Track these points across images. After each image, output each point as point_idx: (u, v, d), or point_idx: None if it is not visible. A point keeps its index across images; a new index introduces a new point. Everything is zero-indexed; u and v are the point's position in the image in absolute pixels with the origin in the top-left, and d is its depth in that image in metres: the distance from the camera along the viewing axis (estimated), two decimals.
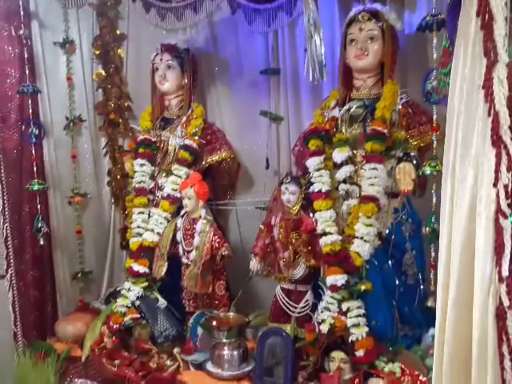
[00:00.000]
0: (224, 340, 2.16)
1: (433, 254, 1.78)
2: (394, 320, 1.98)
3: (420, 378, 1.81)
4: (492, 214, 0.86)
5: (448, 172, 1.08)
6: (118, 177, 2.90)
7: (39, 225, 2.48)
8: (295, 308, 2.13)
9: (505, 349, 0.75)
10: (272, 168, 2.56)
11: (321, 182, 2.01)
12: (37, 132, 2.49)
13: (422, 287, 2.01)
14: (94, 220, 2.96)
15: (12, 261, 2.57)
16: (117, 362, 2.32)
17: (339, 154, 2.02)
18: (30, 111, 2.51)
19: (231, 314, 2.28)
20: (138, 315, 2.35)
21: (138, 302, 2.37)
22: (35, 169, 2.50)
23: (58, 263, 2.76)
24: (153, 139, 2.53)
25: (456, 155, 0.95)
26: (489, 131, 0.91)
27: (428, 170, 1.71)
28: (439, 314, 0.93)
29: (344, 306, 1.92)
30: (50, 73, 2.71)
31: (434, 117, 1.77)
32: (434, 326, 1.99)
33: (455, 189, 0.93)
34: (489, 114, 0.90)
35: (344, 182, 2.03)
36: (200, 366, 2.24)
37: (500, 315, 0.79)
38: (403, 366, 1.83)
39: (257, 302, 2.60)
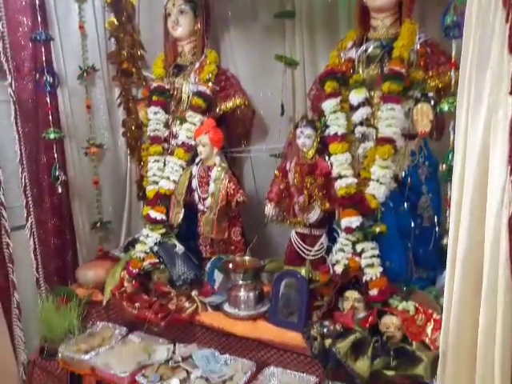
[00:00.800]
0: (240, 282, 2.24)
1: (449, 192, 1.79)
2: (408, 262, 2.03)
3: (434, 316, 1.86)
4: (509, 122, 0.87)
5: (464, 86, 1.07)
6: (133, 127, 2.94)
7: (57, 173, 2.55)
8: (310, 251, 2.19)
9: None
10: (287, 115, 2.56)
11: (337, 124, 2.02)
12: (51, 80, 2.53)
13: (437, 230, 2.04)
14: (111, 171, 3.03)
15: (31, 210, 2.67)
16: (137, 304, 2.44)
17: (356, 96, 2.02)
18: (44, 59, 2.53)
19: (247, 258, 2.36)
20: (157, 260, 2.45)
21: (156, 248, 2.46)
22: (51, 118, 2.54)
23: (77, 212, 2.85)
24: (166, 86, 2.55)
25: (472, 66, 0.95)
26: (506, 38, 0.90)
27: (446, 107, 1.70)
28: (452, 228, 0.94)
29: (358, 248, 1.97)
30: (62, 22, 2.72)
31: (453, 52, 1.74)
32: None
33: (471, 102, 0.94)
34: (506, 21, 0.89)
35: (361, 124, 2.03)
36: (217, 307, 2.34)
37: None
38: (417, 305, 1.88)
39: (272, 248, 2.66)
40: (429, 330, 1.85)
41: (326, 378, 2.04)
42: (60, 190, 2.59)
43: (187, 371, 2.18)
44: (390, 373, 1.80)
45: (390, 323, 1.86)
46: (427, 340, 1.82)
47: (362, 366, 1.81)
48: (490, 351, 0.73)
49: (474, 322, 0.78)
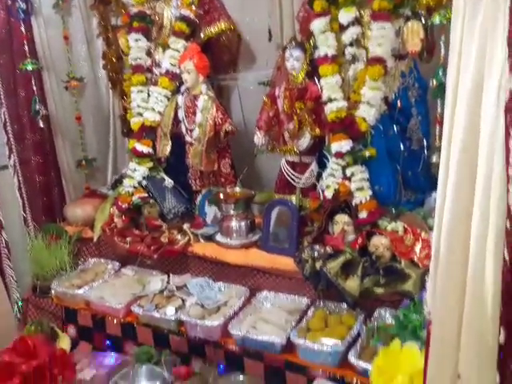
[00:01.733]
0: (232, 212, 2.31)
1: (439, 109, 1.83)
2: (397, 185, 2.10)
3: (422, 235, 1.95)
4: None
5: (458, 11, 1.08)
6: (114, 59, 2.88)
7: (37, 107, 2.53)
8: (300, 179, 2.25)
9: (511, 143, 0.81)
10: (275, 41, 2.53)
11: (326, 45, 2.02)
12: (24, 7, 2.45)
13: (425, 152, 2.10)
14: (93, 106, 3.00)
15: (14, 147, 2.67)
16: (128, 239, 2.50)
17: (346, 15, 2.00)
18: None
19: (238, 189, 2.41)
20: (146, 194, 2.49)
21: (144, 182, 2.50)
22: (27, 48, 2.49)
23: (60, 149, 2.85)
24: (147, 12, 2.49)
25: None
26: None
27: (437, 20, 1.71)
28: (445, 146, 0.97)
29: (348, 172, 2.03)
30: None
31: None
32: (437, 189, 2.15)
33: (467, 11, 0.94)
34: None
35: (351, 45, 2.03)
36: (210, 238, 2.41)
37: (509, 108, 0.83)
38: (405, 225, 1.97)
39: (262, 181, 2.71)
40: (417, 249, 1.94)
41: (317, 299, 2.16)
42: (41, 125, 2.58)
43: (182, 299, 2.27)
44: (379, 290, 1.91)
45: (379, 243, 1.94)
46: (416, 258, 1.92)
47: (352, 284, 1.91)
48: (481, 249, 0.79)
49: (467, 220, 0.83)
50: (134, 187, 2.48)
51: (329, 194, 2.04)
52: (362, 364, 1.77)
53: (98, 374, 2.30)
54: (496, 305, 0.76)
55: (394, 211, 2.04)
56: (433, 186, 2.07)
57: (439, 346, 0.81)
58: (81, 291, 2.44)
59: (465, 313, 0.77)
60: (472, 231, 0.79)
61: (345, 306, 2.08)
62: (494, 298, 0.76)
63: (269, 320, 2.11)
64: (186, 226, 2.45)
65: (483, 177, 0.86)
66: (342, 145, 2.00)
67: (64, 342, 2.41)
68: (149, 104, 2.47)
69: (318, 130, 2.12)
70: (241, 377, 2.10)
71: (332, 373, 1.88)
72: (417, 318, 1.52)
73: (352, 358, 1.80)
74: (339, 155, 2.03)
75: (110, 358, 2.38)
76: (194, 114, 2.39)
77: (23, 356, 1.99)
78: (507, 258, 0.77)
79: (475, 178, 0.87)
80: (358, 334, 1.92)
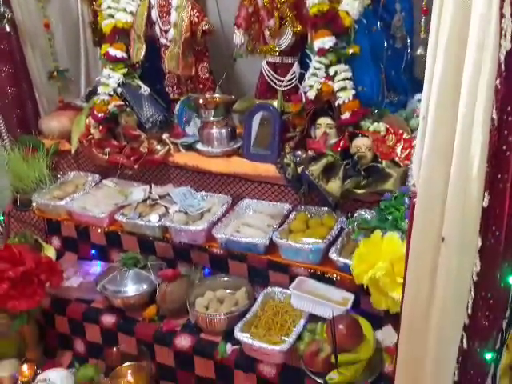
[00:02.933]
0: (212, 119, 2.25)
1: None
2: (380, 85, 2.05)
3: (404, 136, 1.94)
4: None
5: None
6: None
7: (1, 9, 2.35)
8: (282, 81, 2.18)
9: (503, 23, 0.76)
10: None
11: None
12: None
13: (409, 51, 2.03)
14: (61, 13, 2.81)
15: None
16: (107, 150, 2.45)
17: None
18: None
19: (217, 94, 2.33)
20: (122, 102, 2.40)
21: (120, 90, 2.40)
22: None
23: (31, 59, 2.70)
24: None
25: None
26: None
27: None
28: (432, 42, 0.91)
29: (331, 71, 1.97)
30: None
31: None
32: (420, 92, 2.11)
33: None
34: None
35: None
36: (190, 147, 2.38)
37: None
38: (388, 126, 1.95)
39: (242, 87, 2.63)
40: (398, 149, 1.94)
41: (298, 204, 2.18)
42: (8, 29, 2.41)
43: (165, 207, 2.28)
44: (360, 191, 1.92)
45: (361, 144, 1.93)
46: (397, 159, 1.92)
47: (334, 186, 1.92)
48: (470, 108, 0.75)
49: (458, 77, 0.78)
50: (110, 95, 2.38)
51: (311, 94, 1.99)
52: (342, 260, 1.82)
53: (85, 281, 2.33)
54: (482, 167, 0.76)
55: (376, 112, 2.01)
56: (415, 87, 2.04)
57: (423, 213, 0.81)
58: (63, 202, 2.42)
59: (451, 174, 0.76)
60: (462, 91, 0.76)
61: (325, 209, 2.12)
62: (481, 159, 0.75)
63: (252, 224, 2.14)
64: (165, 136, 2.40)
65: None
66: (324, 41, 1.92)
67: (49, 252, 2.43)
68: (120, 4, 2.31)
69: (299, 27, 2.02)
70: (225, 278, 2.15)
71: (313, 270, 1.94)
72: (398, 209, 1.53)
73: (333, 254, 1.85)
74: (322, 52, 1.95)
75: (96, 266, 2.41)
76: (169, 13, 2.26)
77: (10, 263, 2.00)
78: (495, 117, 0.75)
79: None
80: (339, 234, 1.96)
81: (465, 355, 0.96)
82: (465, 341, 0.95)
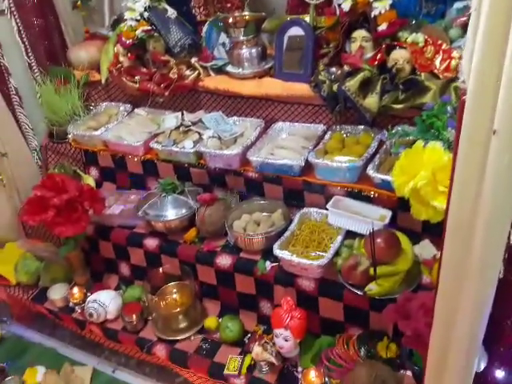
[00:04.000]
0: (241, 38, 2.20)
1: None
2: None
3: (443, 46, 1.86)
4: None
5: None
6: None
7: None
8: None
9: None
10: None
11: None
12: None
13: None
14: None
15: None
16: (137, 77, 2.45)
17: None
18: None
19: (246, 12, 2.26)
20: (150, 27, 2.36)
21: (146, 14, 2.35)
22: None
23: None
24: None
25: None
26: None
27: None
28: None
29: None
30: None
31: None
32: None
33: None
34: None
35: None
36: (220, 70, 2.35)
37: None
38: (426, 37, 1.87)
39: (270, 6, 2.52)
40: (437, 61, 1.87)
41: (333, 124, 2.15)
42: None
43: (199, 133, 2.29)
44: (398, 106, 1.89)
45: (399, 57, 1.87)
46: (436, 71, 1.86)
47: (371, 101, 1.88)
48: None
49: None
50: (137, 20, 2.35)
51: (346, 6, 1.91)
52: (379, 176, 1.82)
53: (126, 209, 2.42)
54: None
55: (414, 23, 1.92)
56: None
57: (474, 108, 0.79)
58: (98, 133, 2.47)
59: (504, 66, 0.73)
60: None
61: (361, 127, 2.10)
62: None
63: (286, 146, 2.15)
64: (194, 60, 2.37)
65: None
66: None
67: (89, 182, 2.51)
68: None
69: None
70: (261, 201, 2.19)
71: (350, 188, 1.95)
72: (439, 119, 1.50)
73: (370, 171, 1.84)
74: None
75: (135, 195, 2.48)
76: None
77: (53, 191, 2.08)
78: None
79: None
80: (376, 151, 1.94)
81: (511, 251, 0.98)
82: None
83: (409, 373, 1.68)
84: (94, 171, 2.64)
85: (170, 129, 2.34)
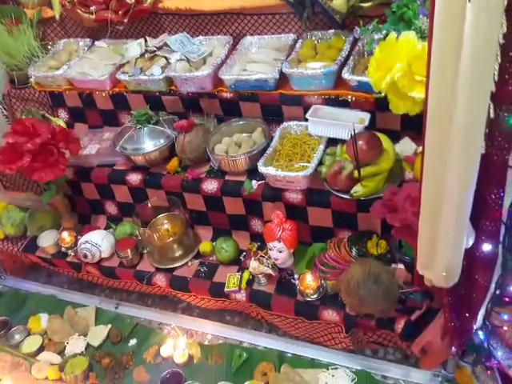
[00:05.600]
0: None
1: None
2: None
3: None
4: None
5: None
6: None
7: None
8: None
9: None
10: None
11: None
12: None
13: None
14: None
15: None
16: (92, 8, 2.32)
17: None
18: None
19: None
20: None
21: None
22: None
23: None
24: None
25: None
26: None
27: None
28: None
29: None
30: None
31: None
32: None
33: None
34: None
35: None
36: None
37: None
38: None
39: None
40: None
41: (304, 31, 2.11)
42: None
43: (166, 58, 2.23)
44: (366, 4, 1.85)
45: None
46: None
47: (339, 2, 1.84)
48: None
49: None
50: None
51: None
52: (355, 78, 1.81)
53: (102, 147, 2.39)
54: None
55: None
56: None
57: None
58: (60, 72, 2.39)
59: None
60: None
61: (332, 31, 2.07)
62: None
63: (258, 60, 2.12)
64: None
65: None
66: None
67: (59, 124, 2.44)
68: None
69: None
70: (240, 121, 2.18)
71: (327, 96, 1.94)
72: (410, 8, 1.48)
73: (346, 74, 1.84)
74: None
75: (109, 132, 2.44)
76: None
77: (25, 136, 2.03)
78: None
79: None
80: (349, 54, 1.92)
81: (492, 125, 1.00)
82: (491, 110, 0.98)
83: (400, 266, 1.77)
84: (62, 113, 2.57)
85: (134, 57, 2.27)
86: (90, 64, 2.36)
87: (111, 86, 2.31)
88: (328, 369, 1.86)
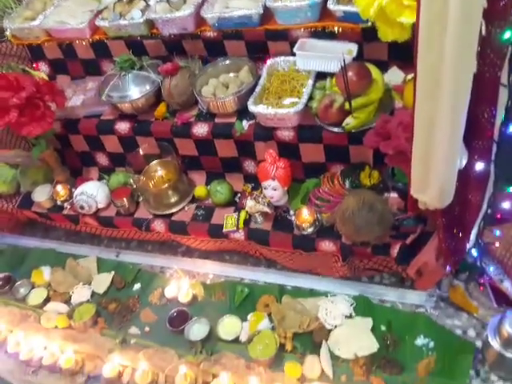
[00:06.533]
0: None
1: None
2: None
3: None
4: None
5: None
6: None
7: None
8: None
9: None
10: None
11: None
12: None
13: None
14: None
15: None
16: None
17: None
18: None
19: None
20: None
21: None
22: None
23: None
24: None
25: None
26: None
27: None
28: None
29: None
30: None
31: None
32: None
33: None
34: None
35: None
36: None
37: None
38: None
39: None
40: None
41: None
42: None
43: (144, 0, 2.13)
44: None
45: None
46: None
47: None
48: None
49: None
50: None
51: None
52: (342, 8, 1.77)
53: (87, 97, 2.33)
54: None
55: None
56: None
57: None
58: (37, 22, 2.31)
59: None
60: None
61: None
62: None
63: None
64: None
65: None
66: None
67: (42, 77, 2.36)
68: None
69: None
70: (225, 61, 2.13)
71: (313, 28, 1.90)
72: None
73: (331, 5, 1.80)
74: None
75: (92, 81, 2.38)
76: None
77: (10, 91, 1.97)
78: None
79: None
80: None
81: (484, 42, 1.00)
82: (483, 28, 0.97)
83: (393, 194, 1.80)
84: (43, 66, 2.49)
85: (112, 2, 2.18)
86: (66, 12, 2.26)
87: (91, 34, 2.23)
88: (327, 296, 1.92)
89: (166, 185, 2.15)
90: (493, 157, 1.31)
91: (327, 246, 1.85)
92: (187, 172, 2.29)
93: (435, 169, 1.22)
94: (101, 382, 1.86)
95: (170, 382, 1.78)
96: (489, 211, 1.45)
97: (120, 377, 1.83)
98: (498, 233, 1.54)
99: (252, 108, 1.89)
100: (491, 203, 1.42)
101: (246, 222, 2.02)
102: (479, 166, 1.27)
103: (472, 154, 1.26)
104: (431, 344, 1.69)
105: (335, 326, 1.80)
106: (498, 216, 1.48)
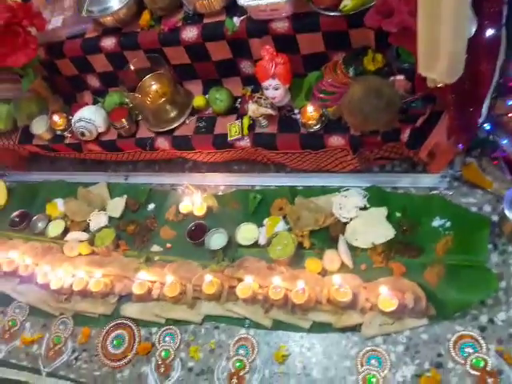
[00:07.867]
0: None
1: None
2: None
3: None
4: None
5: None
6: None
7: None
8: None
9: None
10: None
11: None
12: None
13: None
14: None
15: None
16: None
17: None
18: None
19: None
20: None
21: None
22: None
23: None
24: None
25: None
26: None
27: None
28: None
29: None
30: None
31: None
32: None
33: None
34: None
35: None
36: None
37: None
38: None
39: None
40: None
41: None
42: None
43: None
44: None
45: None
46: None
47: None
48: None
49: None
50: None
51: None
52: None
53: (67, 16, 2.22)
54: None
55: None
56: None
57: None
58: None
59: None
60: None
61: None
62: None
63: None
64: None
65: None
66: None
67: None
68: None
69: None
70: None
71: None
72: None
73: None
74: None
75: None
76: None
77: None
78: None
79: None
80: None
81: None
82: None
83: (399, 77, 1.72)
84: None
85: None
86: None
87: None
88: (340, 191, 1.93)
89: (163, 99, 2.09)
90: (503, 20, 1.22)
91: (336, 140, 1.81)
92: (182, 83, 2.21)
93: (443, 40, 1.15)
94: (132, 299, 1.95)
95: (198, 291, 1.85)
96: (501, 81, 1.39)
97: (150, 292, 1.91)
98: (511, 102, 1.49)
99: (242, 1, 1.77)
100: (502, 72, 1.36)
101: (251, 127, 1.98)
102: (490, 32, 1.20)
103: (482, 19, 1.18)
104: (448, 224, 1.71)
105: (350, 219, 1.83)
106: (511, 84, 1.43)
